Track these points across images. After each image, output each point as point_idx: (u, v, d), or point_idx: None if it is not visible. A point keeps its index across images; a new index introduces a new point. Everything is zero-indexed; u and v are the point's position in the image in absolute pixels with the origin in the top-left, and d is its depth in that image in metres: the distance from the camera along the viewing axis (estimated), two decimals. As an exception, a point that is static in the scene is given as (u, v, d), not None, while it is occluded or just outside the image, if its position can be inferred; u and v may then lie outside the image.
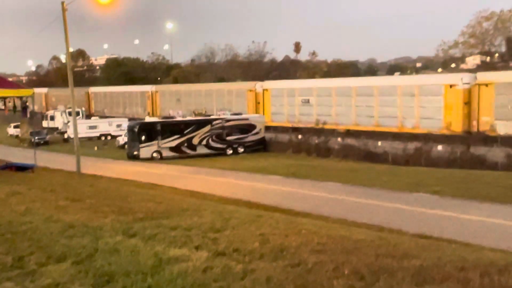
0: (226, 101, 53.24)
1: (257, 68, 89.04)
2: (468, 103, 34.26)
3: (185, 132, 41.05)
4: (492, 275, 5.56)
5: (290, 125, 45.21)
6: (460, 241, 11.32)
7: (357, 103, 40.69)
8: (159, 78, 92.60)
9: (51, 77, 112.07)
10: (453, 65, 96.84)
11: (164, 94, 63.41)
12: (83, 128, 53.09)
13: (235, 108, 50.19)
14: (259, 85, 50.35)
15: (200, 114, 49.00)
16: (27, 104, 47.19)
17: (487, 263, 6.26)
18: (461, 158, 33.06)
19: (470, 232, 13.33)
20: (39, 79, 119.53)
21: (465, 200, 17.80)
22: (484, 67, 73.20)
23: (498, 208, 16.37)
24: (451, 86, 34.92)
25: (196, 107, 54.51)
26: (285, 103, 47.00)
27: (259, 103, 49.43)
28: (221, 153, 41.81)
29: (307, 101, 44.87)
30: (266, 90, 48.83)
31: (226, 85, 58.74)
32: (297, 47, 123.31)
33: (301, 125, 44.39)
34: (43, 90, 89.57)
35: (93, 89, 79.14)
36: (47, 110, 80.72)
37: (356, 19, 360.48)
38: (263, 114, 47.81)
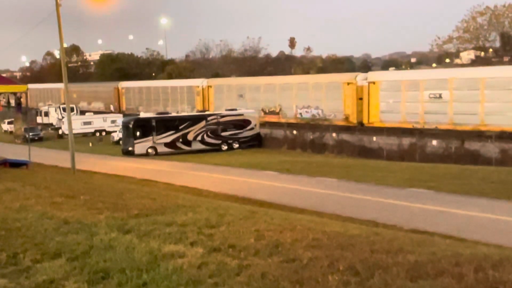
0: (312, 96, 44.58)
1: (252, 64, 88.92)
2: None
3: (180, 128, 41.00)
4: (487, 270, 5.58)
5: (410, 126, 37.31)
6: (455, 236, 11.38)
7: None
8: (153, 74, 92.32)
9: (45, 73, 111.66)
10: (447, 60, 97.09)
11: (220, 89, 54.50)
12: (78, 124, 52.93)
13: (324, 105, 43.43)
14: (361, 77, 42.05)
15: (272, 113, 44.91)
16: (21, 100, 47.10)
17: (482, 258, 6.29)
18: (456, 153, 33.18)
19: (464, 227, 13.39)
20: (33, 75, 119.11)
21: (459, 196, 17.86)
22: (478, 62, 73.40)
23: (492, 203, 16.44)
24: None
25: (267, 104, 47.30)
26: (402, 99, 38.30)
27: (361, 98, 41.05)
28: (216, 149, 41.80)
29: (438, 96, 36.24)
30: (373, 83, 40.22)
31: (313, 78, 50.14)
32: (292, 43, 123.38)
33: (427, 127, 36.57)
34: (61, 85, 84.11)
35: (124, 84, 70.73)
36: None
37: (351, 14, 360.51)
38: (368, 111, 40.18)
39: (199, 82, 58.12)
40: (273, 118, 46.73)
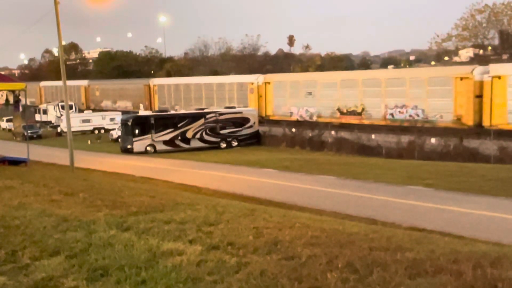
0: (409, 94, 37.91)
1: (251, 62, 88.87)
2: None
3: (179, 125, 40.99)
4: (485, 267, 5.59)
5: None
6: (453, 233, 11.39)
7: None
8: (152, 72, 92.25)
9: (44, 70, 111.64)
10: (446, 58, 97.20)
11: (281, 86, 47.91)
12: (76, 122, 52.90)
13: (426, 104, 36.78)
14: (480, 71, 34.93)
15: (353, 113, 40.24)
16: (20, 97, 46.90)
17: (480, 255, 6.29)
18: (454, 151, 33.18)
19: (463, 224, 13.40)
20: (32, 72, 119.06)
21: (458, 193, 17.88)
22: (477, 60, 73.40)
23: (490, 201, 16.46)
24: None
25: (344, 102, 41.58)
26: None
27: (479, 96, 34.31)
28: (215, 146, 41.81)
29: None
30: (499, 77, 33.19)
31: (410, 72, 43.16)
32: (291, 41, 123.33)
33: None
34: (83, 82, 78.29)
35: (157, 81, 65.45)
36: (88, 106, 72.03)
37: (349, 12, 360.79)
38: (490, 112, 33.64)
39: (253, 78, 51.68)
40: (353, 119, 40.85)
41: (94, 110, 65.90)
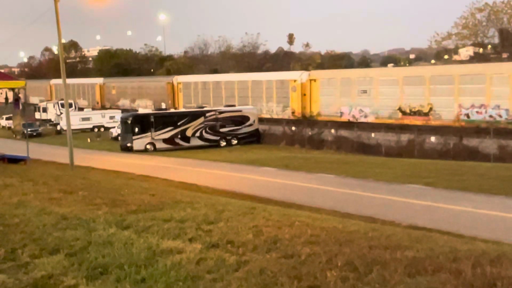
0: (489, 91, 33.18)
1: (251, 60, 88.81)
2: None
3: (179, 124, 40.96)
4: (484, 266, 5.60)
5: None
6: (453, 232, 11.38)
7: None
8: (152, 70, 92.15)
9: (44, 68, 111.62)
10: (446, 57, 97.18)
11: (330, 84, 43.64)
12: (76, 120, 52.84)
13: (508, 104, 32.42)
14: None
15: (418, 113, 36.54)
16: (19, 95, 46.68)
17: (479, 254, 6.30)
18: (454, 149, 33.16)
19: (462, 223, 13.40)
20: (32, 70, 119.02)
21: (457, 192, 17.88)
22: (477, 58, 73.35)
23: (490, 199, 16.46)
24: None
25: (408, 101, 37.43)
26: None
27: None
28: (214, 145, 41.79)
29: None
30: None
31: (490, 67, 36.91)
32: (291, 39, 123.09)
33: None
34: (98, 80, 74.93)
35: (181, 78, 61.24)
36: (103, 105, 69.38)
37: (350, 10, 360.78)
38: None
39: (296, 75, 47.71)
40: (418, 120, 36.87)
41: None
